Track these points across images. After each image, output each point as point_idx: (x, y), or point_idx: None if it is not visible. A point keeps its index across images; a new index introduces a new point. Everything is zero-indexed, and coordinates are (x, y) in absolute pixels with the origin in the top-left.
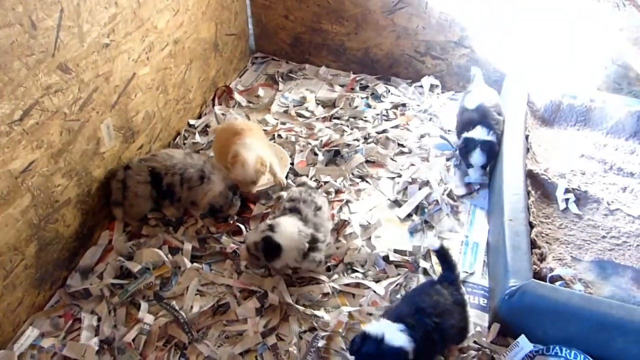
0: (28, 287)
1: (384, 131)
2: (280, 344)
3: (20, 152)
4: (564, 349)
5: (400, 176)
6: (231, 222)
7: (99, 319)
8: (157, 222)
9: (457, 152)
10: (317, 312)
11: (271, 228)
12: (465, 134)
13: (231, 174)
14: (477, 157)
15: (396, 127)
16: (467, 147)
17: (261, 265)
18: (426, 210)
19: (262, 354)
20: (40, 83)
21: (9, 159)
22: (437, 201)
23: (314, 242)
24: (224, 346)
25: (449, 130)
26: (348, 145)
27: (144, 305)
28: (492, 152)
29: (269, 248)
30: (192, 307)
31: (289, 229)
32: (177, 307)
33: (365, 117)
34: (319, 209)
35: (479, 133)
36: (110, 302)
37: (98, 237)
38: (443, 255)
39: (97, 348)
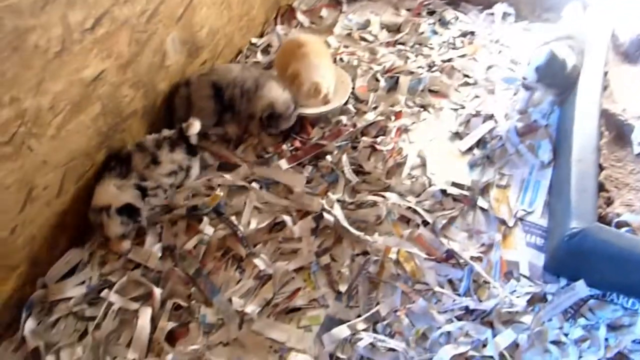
0: None
1: (450, 60)
2: (333, 265)
3: (92, 61)
4: (621, 296)
5: (463, 108)
6: (289, 142)
7: (161, 227)
8: (218, 138)
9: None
10: (370, 237)
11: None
12: None
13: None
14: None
15: (463, 56)
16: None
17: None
18: (488, 144)
19: (315, 273)
20: None
21: (81, 66)
22: (500, 136)
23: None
24: (279, 262)
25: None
26: (411, 72)
27: (205, 218)
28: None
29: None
30: (249, 222)
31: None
32: (235, 222)
33: (430, 45)
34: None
35: None
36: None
37: None
38: None
39: (160, 254)
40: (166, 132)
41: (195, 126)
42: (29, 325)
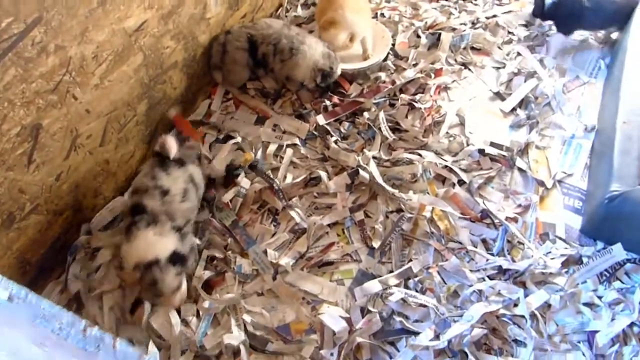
0: (139, 142)
1: (494, 16)
2: (367, 221)
3: (134, 11)
4: None
5: (505, 67)
6: (327, 99)
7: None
8: (256, 92)
9: None
10: (404, 194)
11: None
12: None
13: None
14: None
15: (508, 12)
16: None
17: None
18: (532, 104)
19: (349, 228)
20: None
21: (124, 16)
22: (544, 95)
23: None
24: (314, 216)
25: None
26: (454, 29)
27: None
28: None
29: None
30: (285, 177)
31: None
32: (272, 176)
33: (475, 0)
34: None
35: None
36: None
37: (200, 103)
38: None
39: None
40: (145, 166)
41: (171, 145)
42: (73, 269)
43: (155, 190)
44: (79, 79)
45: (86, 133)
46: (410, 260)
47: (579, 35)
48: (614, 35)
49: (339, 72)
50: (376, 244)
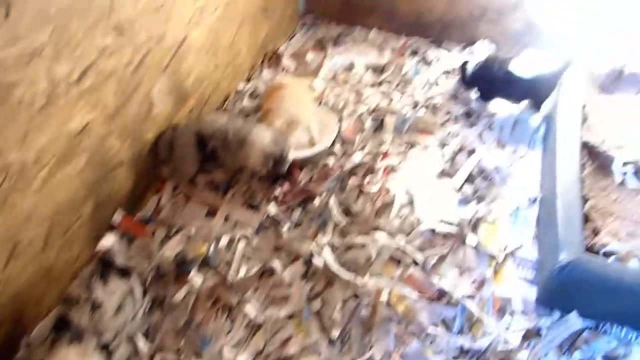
0: (84, 244)
1: (433, 98)
2: (325, 310)
3: (78, 113)
4: (614, 326)
5: (448, 144)
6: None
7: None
8: (206, 185)
9: None
10: (359, 280)
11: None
12: None
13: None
14: None
15: (445, 93)
16: None
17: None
18: (477, 179)
19: (307, 319)
20: (96, 44)
21: (67, 119)
22: (487, 169)
23: None
24: (270, 309)
25: None
26: (396, 112)
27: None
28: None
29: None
30: (238, 270)
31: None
32: (223, 272)
33: (414, 84)
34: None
35: None
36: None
37: (149, 199)
38: None
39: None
40: (85, 271)
41: (105, 243)
42: None
43: (86, 303)
44: (19, 185)
45: (26, 240)
46: (372, 347)
47: (515, 108)
48: (546, 107)
49: (291, 156)
50: (335, 333)
